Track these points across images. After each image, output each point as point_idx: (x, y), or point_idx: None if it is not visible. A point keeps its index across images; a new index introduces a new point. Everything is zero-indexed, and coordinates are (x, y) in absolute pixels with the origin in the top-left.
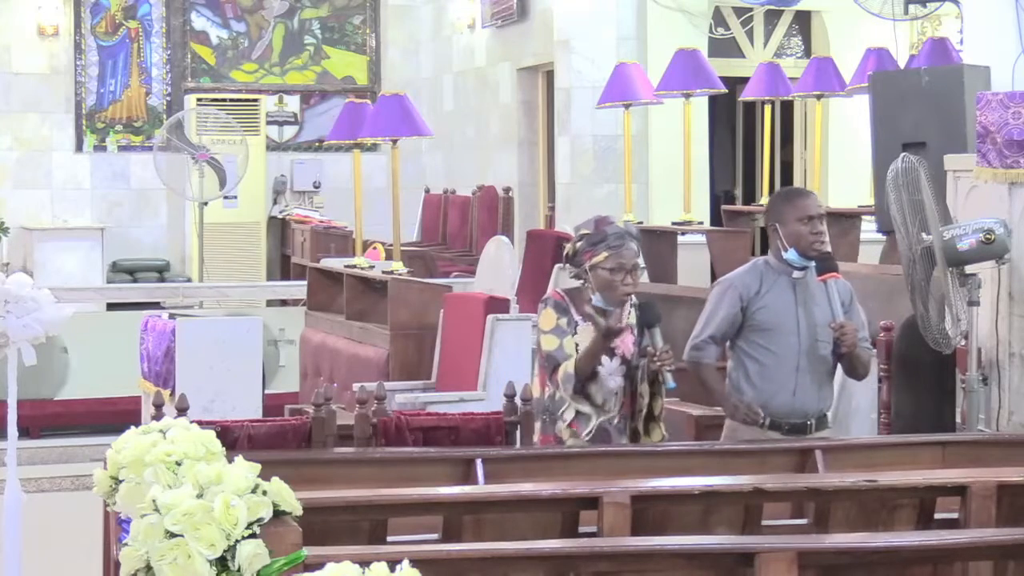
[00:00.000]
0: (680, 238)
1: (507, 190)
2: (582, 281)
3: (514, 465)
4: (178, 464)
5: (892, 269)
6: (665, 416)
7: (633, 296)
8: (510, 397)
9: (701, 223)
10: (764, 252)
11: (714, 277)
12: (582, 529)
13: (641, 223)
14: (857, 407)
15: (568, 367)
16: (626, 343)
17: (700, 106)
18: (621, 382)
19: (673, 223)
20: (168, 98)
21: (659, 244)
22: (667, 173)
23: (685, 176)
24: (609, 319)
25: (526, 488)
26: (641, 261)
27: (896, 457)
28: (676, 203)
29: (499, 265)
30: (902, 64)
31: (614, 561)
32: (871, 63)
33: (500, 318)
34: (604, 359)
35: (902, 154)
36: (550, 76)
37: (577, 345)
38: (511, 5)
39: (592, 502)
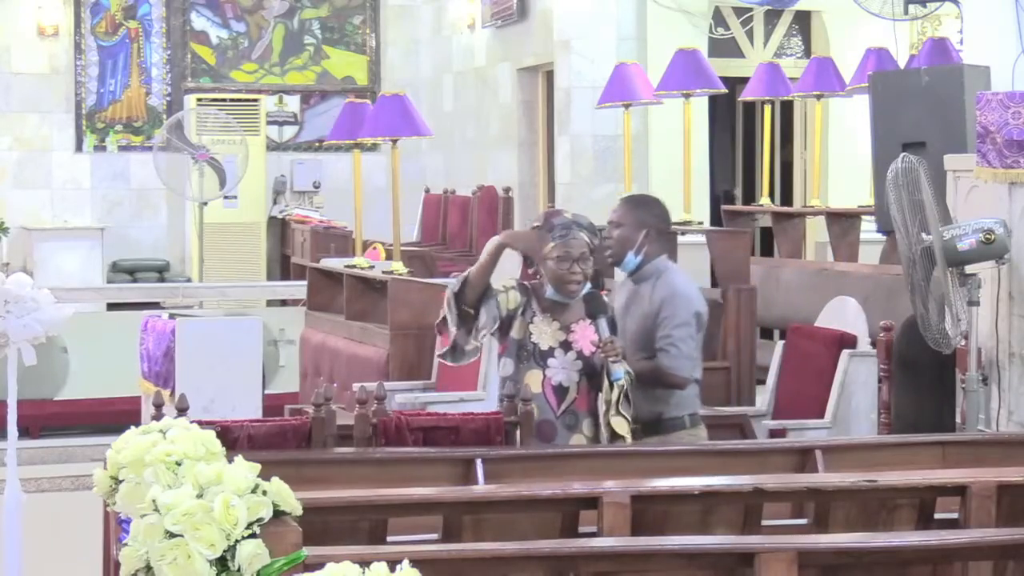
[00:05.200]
0: (680, 238)
1: (507, 190)
2: (540, 276)
3: (514, 465)
4: (178, 464)
5: (892, 269)
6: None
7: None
8: (510, 397)
9: (701, 223)
10: (765, 253)
11: (714, 277)
12: (582, 529)
13: None
14: (857, 407)
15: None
16: (584, 338)
17: (700, 106)
18: (575, 377)
19: (673, 223)
20: (168, 98)
21: None
22: (667, 173)
23: (685, 176)
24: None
25: (526, 488)
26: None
27: (896, 457)
28: (676, 203)
29: (499, 265)
30: (902, 64)
31: (614, 561)
32: (871, 63)
33: None
34: (558, 352)
35: (902, 154)
36: (550, 76)
37: (531, 334)
38: (511, 5)
39: (592, 502)
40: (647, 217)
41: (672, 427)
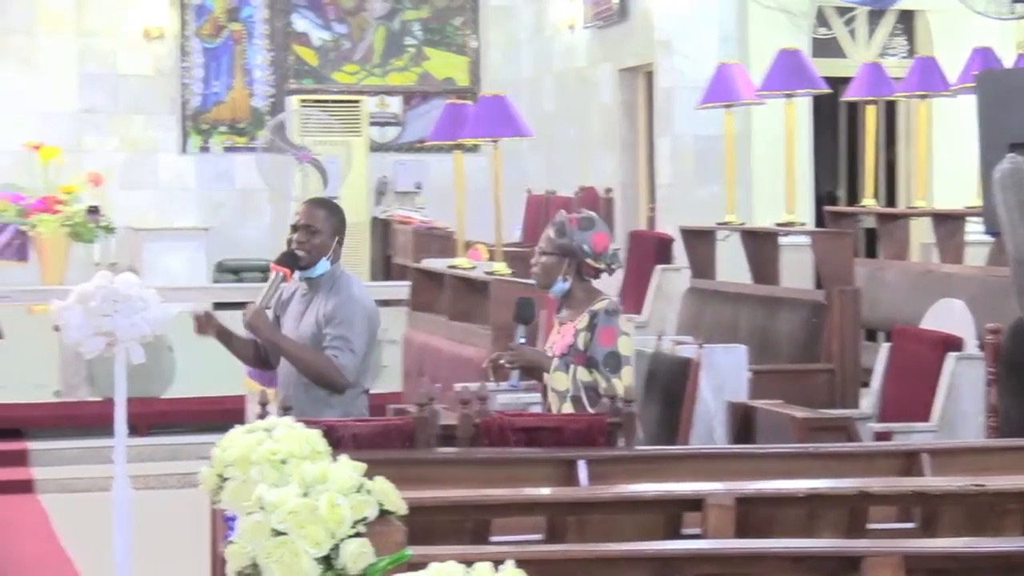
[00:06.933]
0: (782, 239)
1: (608, 191)
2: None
3: (617, 466)
4: (283, 463)
5: (999, 271)
6: None
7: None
8: (612, 398)
9: (804, 224)
10: (869, 254)
11: (817, 279)
12: (685, 531)
13: (743, 224)
14: (964, 410)
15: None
16: (560, 340)
17: (802, 106)
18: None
19: (776, 224)
20: (271, 99)
21: (761, 246)
22: (769, 174)
23: (787, 177)
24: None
25: (629, 489)
26: (549, 247)
27: (1005, 461)
28: (778, 204)
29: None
30: (1008, 64)
31: (718, 563)
32: (976, 63)
33: None
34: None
35: (1008, 155)
36: (650, 77)
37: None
38: (611, 5)
39: (696, 504)
40: (339, 225)
41: None
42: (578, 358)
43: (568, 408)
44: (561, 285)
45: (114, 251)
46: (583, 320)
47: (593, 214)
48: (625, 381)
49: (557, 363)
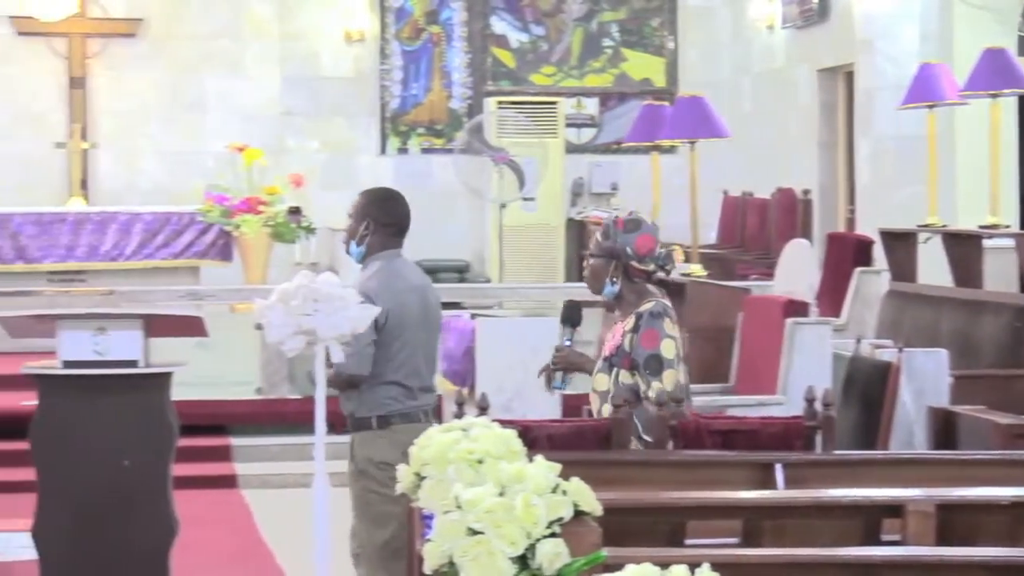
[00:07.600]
0: (986, 242)
1: (806, 192)
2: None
3: (814, 470)
4: (480, 462)
5: None
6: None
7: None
8: (810, 401)
9: (1008, 227)
10: None
11: (1023, 282)
12: (884, 537)
13: (945, 226)
14: None
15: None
16: (610, 341)
17: (1008, 106)
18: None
19: (980, 227)
20: (469, 101)
21: (964, 248)
22: (973, 175)
23: (992, 178)
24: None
25: (827, 493)
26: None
27: None
28: (982, 206)
29: (798, 268)
30: None
31: (918, 571)
32: None
33: (800, 322)
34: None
35: None
36: (850, 77)
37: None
38: (812, 5)
39: (895, 510)
40: (371, 210)
41: (359, 427)
42: (624, 360)
43: (608, 409)
44: (610, 288)
45: (314, 251)
46: (630, 322)
47: (643, 216)
48: (667, 384)
49: (600, 364)
